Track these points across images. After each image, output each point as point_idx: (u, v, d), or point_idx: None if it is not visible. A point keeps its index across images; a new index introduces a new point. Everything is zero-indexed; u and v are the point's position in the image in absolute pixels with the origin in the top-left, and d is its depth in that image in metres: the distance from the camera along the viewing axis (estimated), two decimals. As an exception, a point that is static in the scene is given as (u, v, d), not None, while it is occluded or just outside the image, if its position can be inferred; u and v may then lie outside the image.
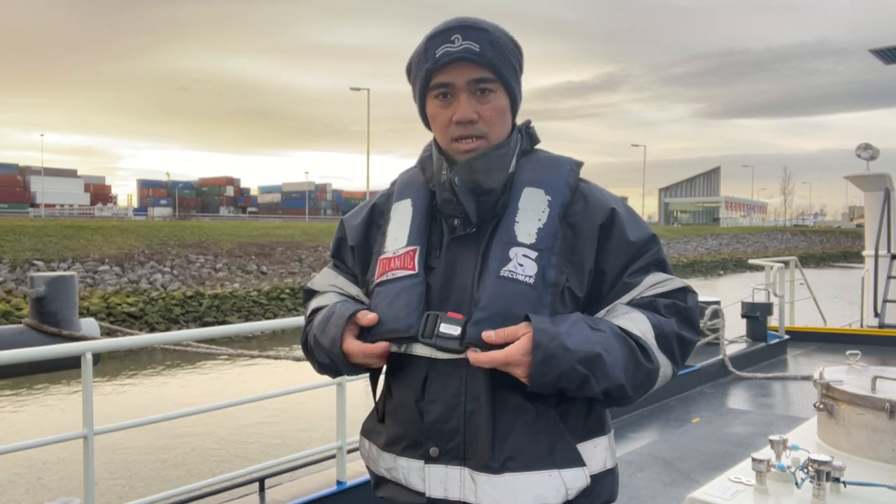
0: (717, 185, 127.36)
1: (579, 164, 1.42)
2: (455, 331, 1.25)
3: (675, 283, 1.36)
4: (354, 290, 1.50)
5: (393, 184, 1.52)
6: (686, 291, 1.37)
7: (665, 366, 1.31)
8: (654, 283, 1.35)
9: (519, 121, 1.45)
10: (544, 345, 1.18)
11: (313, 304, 1.53)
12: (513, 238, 1.31)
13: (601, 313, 1.35)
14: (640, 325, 1.29)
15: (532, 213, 1.33)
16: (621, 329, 1.28)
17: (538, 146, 1.46)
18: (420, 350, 1.33)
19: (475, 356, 1.22)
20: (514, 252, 1.29)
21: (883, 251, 8.67)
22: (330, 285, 1.55)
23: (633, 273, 1.35)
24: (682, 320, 1.34)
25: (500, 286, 1.27)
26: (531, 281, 1.27)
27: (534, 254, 1.29)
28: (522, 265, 1.28)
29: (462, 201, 1.32)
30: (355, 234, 1.48)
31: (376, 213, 1.49)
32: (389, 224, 1.43)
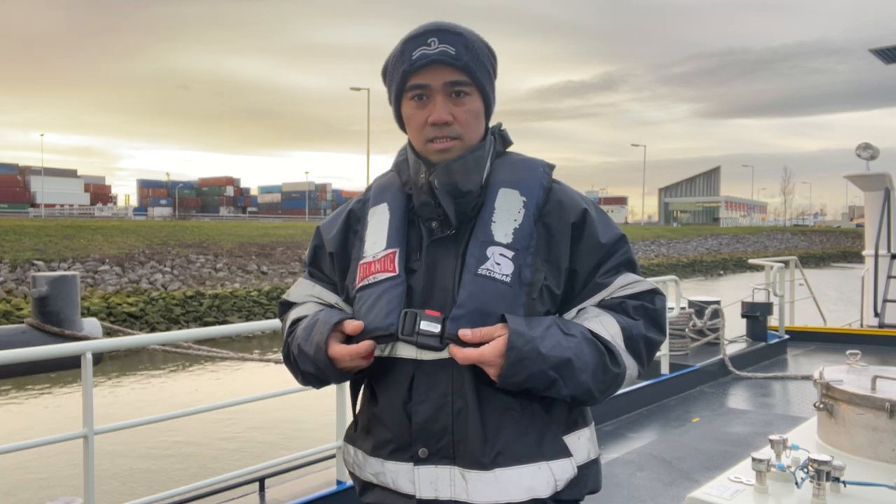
0: (717, 185, 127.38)
1: (552, 167, 1.45)
2: (435, 328, 1.27)
3: (644, 284, 1.41)
4: (333, 299, 1.50)
5: (368, 189, 1.53)
6: (654, 294, 1.41)
7: (631, 367, 1.35)
8: (625, 284, 1.39)
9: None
10: (518, 347, 1.22)
11: (293, 315, 1.51)
12: (490, 237, 1.34)
13: (572, 313, 1.39)
14: (609, 328, 1.33)
15: (508, 213, 1.36)
16: (592, 333, 1.31)
17: (510, 148, 1.48)
18: (404, 352, 1.34)
19: (454, 350, 1.25)
20: (492, 251, 1.32)
21: (883, 251, 8.67)
22: (307, 295, 1.54)
23: (604, 273, 1.39)
24: (650, 322, 1.38)
25: (478, 284, 1.30)
26: (508, 280, 1.30)
27: (510, 253, 1.32)
28: (500, 264, 1.31)
29: (442, 203, 1.34)
30: (333, 241, 1.48)
31: (352, 218, 1.50)
32: (367, 229, 1.44)
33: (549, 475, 1.31)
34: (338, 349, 1.31)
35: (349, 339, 1.34)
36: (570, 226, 1.38)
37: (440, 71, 1.34)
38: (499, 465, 1.29)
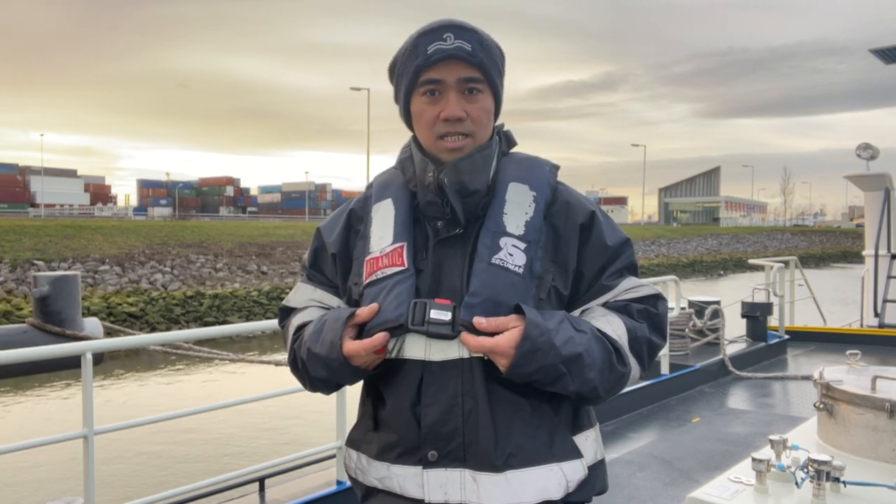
0: (717, 185, 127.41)
1: (557, 167, 1.45)
2: (446, 316, 1.25)
3: (649, 289, 1.42)
4: (335, 302, 1.47)
5: (369, 187, 1.51)
6: (658, 298, 1.41)
7: (635, 369, 1.35)
8: (629, 288, 1.40)
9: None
10: (533, 338, 1.21)
11: (296, 321, 1.47)
12: (502, 228, 1.33)
13: (576, 313, 1.39)
14: (616, 328, 1.33)
15: (519, 206, 1.35)
16: (600, 332, 1.31)
17: (515, 149, 1.48)
18: (412, 353, 1.32)
19: (466, 337, 1.24)
20: (504, 241, 1.32)
21: (883, 251, 8.67)
22: (309, 300, 1.50)
23: (609, 276, 1.39)
24: (653, 326, 1.39)
25: (491, 273, 1.29)
26: (520, 271, 1.30)
27: (523, 245, 1.32)
28: (512, 255, 1.31)
29: (451, 202, 1.32)
30: (335, 242, 1.45)
31: (353, 217, 1.47)
32: (372, 225, 1.42)
33: (561, 476, 1.30)
34: (352, 345, 1.28)
35: (361, 334, 1.32)
36: (578, 227, 1.37)
37: (455, 66, 1.32)
38: (510, 467, 1.28)
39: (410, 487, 1.31)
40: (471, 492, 1.28)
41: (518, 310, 1.26)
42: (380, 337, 1.27)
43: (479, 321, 1.24)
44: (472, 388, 1.29)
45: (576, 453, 1.33)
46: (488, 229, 1.33)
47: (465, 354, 1.30)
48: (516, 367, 1.22)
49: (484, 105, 1.36)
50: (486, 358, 1.28)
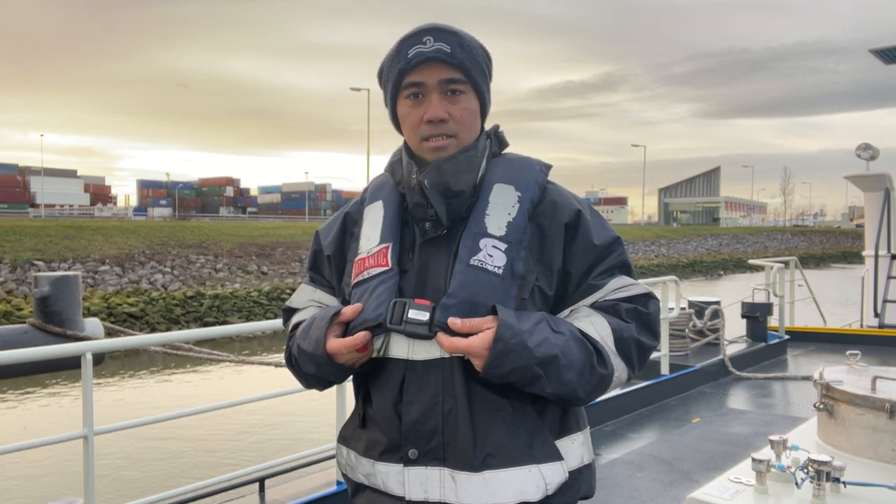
0: (716, 186, 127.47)
1: (548, 166, 1.45)
2: (424, 316, 1.26)
3: (639, 288, 1.40)
4: (334, 303, 1.50)
5: (364, 190, 1.54)
6: (649, 297, 1.40)
7: (620, 370, 1.33)
8: (619, 287, 1.38)
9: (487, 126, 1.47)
10: (505, 339, 1.22)
11: (294, 320, 1.53)
12: (483, 229, 1.33)
13: (564, 313, 1.38)
14: (600, 329, 1.32)
15: (502, 207, 1.35)
16: (581, 332, 1.30)
17: (507, 150, 1.48)
18: (396, 352, 1.33)
19: (441, 337, 1.25)
20: (484, 243, 1.32)
21: (883, 251, 8.67)
22: (309, 300, 1.55)
23: (598, 275, 1.38)
24: (642, 326, 1.37)
25: (470, 275, 1.29)
26: (500, 272, 1.30)
27: (503, 245, 1.32)
28: (492, 256, 1.31)
29: (432, 203, 1.33)
30: (330, 244, 1.49)
31: (349, 221, 1.50)
32: (363, 227, 1.44)
33: (540, 478, 1.30)
34: (334, 343, 1.31)
35: (346, 336, 1.34)
36: (563, 226, 1.37)
37: (436, 68, 1.34)
38: (488, 467, 1.28)
39: (393, 485, 1.33)
40: (449, 491, 1.28)
41: (496, 311, 1.26)
42: (360, 336, 1.29)
43: (454, 322, 1.25)
44: (452, 388, 1.30)
45: (556, 456, 1.33)
46: (470, 230, 1.34)
47: (447, 354, 1.30)
48: (490, 368, 1.23)
49: (467, 105, 1.37)
50: (466, 358, 1.28)
